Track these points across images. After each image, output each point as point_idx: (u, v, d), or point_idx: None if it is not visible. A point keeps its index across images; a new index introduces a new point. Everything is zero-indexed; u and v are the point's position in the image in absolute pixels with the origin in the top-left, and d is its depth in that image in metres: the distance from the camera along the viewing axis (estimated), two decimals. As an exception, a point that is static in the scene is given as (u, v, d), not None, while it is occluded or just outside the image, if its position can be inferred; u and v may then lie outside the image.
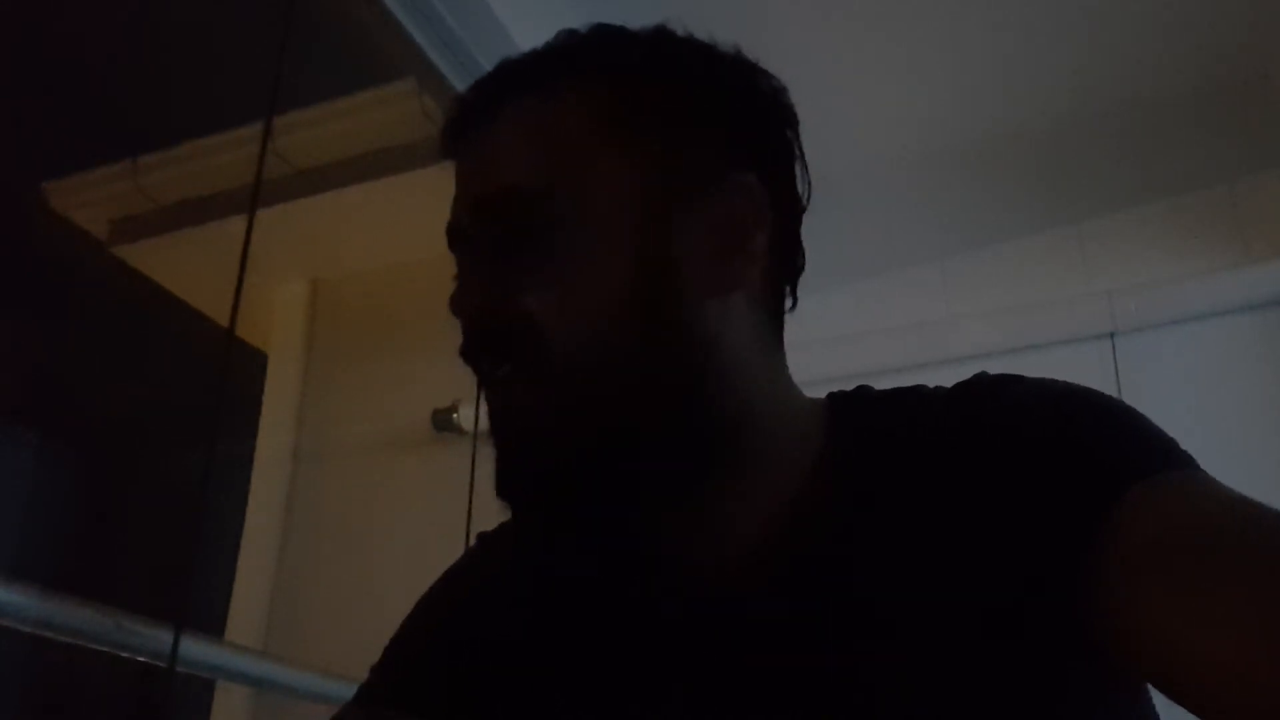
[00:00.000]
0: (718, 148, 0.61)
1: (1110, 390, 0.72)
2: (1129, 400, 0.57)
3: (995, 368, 0.63)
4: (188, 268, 2.71)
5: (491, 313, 0.58)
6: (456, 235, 0.62)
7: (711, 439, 0.58)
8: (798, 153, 0.64)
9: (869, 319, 2.52)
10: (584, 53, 0.61)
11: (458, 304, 0.59)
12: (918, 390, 0.63)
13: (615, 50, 0.61)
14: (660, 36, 0.62)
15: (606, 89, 0.60)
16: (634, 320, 0.56)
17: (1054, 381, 0.59)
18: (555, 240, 0.57)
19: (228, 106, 2.29)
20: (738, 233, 0.60)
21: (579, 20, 0.61)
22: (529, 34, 0.61)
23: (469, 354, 0.60)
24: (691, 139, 0.60)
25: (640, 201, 0.58)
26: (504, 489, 0.58)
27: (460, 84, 1.83)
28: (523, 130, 0.59)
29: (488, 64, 0.62)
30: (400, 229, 2.59)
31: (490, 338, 0.58)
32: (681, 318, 0.58)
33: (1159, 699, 0.50)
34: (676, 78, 0.61)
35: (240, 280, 1.62)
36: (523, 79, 0.60)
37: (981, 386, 0.60)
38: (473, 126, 0.61)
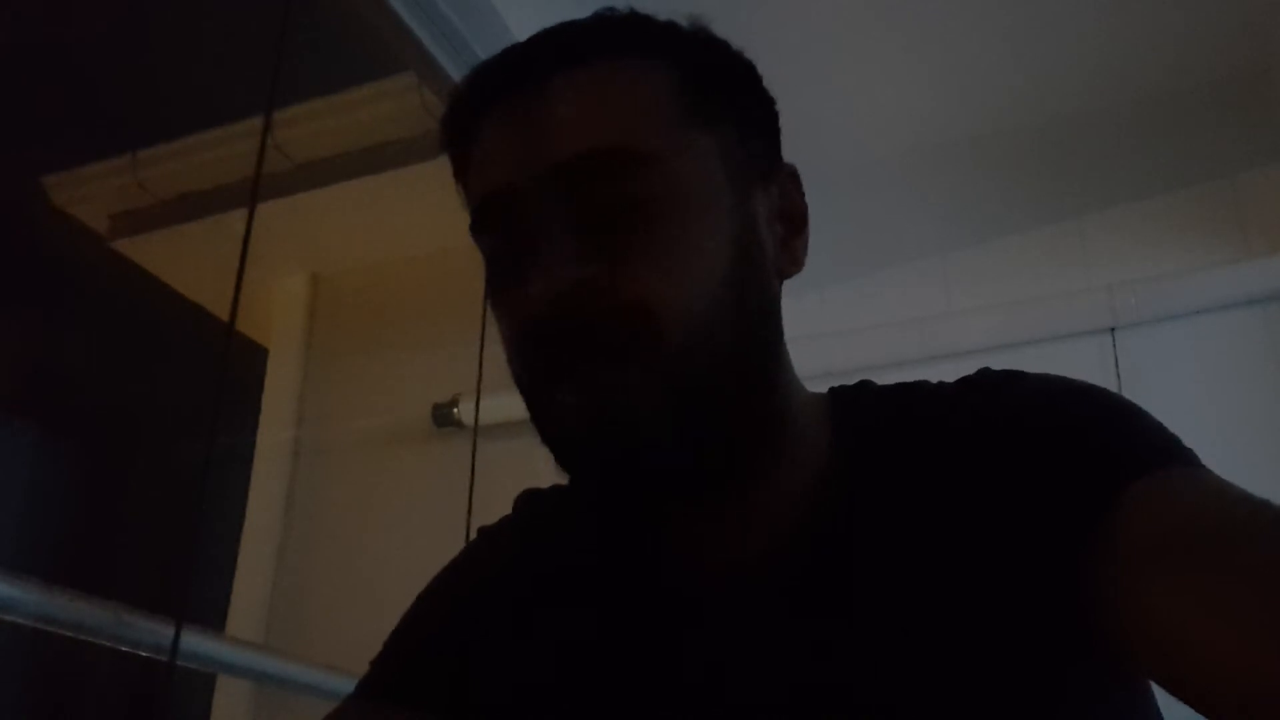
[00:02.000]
0: (770, 135, 0.62)
1: (1110, 385, 0.72)
2: (1129, 395, 0.57)
3: (996, 362, 0.62)
4: (188, 262, 2.71)
5: (600, 293, 0.52)
6: (514, 204, 0.55)
7: (768, 429, 0.58)
8: None
9: (870, 313, 2.52)
10: (647, 28, 0.59)
11: (551, 281, 0.52)
12: (920, 386, 0.63)
13: (676, 31, 0.59)
14: (711, 31, 0.62)
15: (681, 65, 0.57)
16: (731, 304, 0.54)
17: (1057, 377, 0.59)
18: (663, 213, 0.53)
19: (227, 101, 2.29)
20: (797, 220, 0.61)
21: (578, 14, 0.60)
22: (528, 28, 0.59)
23: (550, 335, 0.52)
24: (752, 124, 0.60)
25: (729, 178, 0.57)
26: (595, 477, 0.56)
27: (460, 78, 1.83)
28: (614, 92, 0.55)
29: (487, 57, 0.60)
30: (400, 223, 2.59)
31: (594, 319, 0.52)
32: (765, 303, 0.58)
33: (1161, 695, 0.50)
34: (733, 65, 0.61)
35: (240, 274, 1.62)
36: (589, 45, 0.56)
37: (984, 383, 0.60)
38: (533, 90, 0.55)
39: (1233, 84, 2.27)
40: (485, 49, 1.80)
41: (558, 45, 0.56)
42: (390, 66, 2.20)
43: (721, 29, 0.63)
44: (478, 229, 0.57)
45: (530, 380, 0.56)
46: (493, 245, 0.57)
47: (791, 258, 0.60)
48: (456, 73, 1.85)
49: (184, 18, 2.17)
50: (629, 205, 0.53)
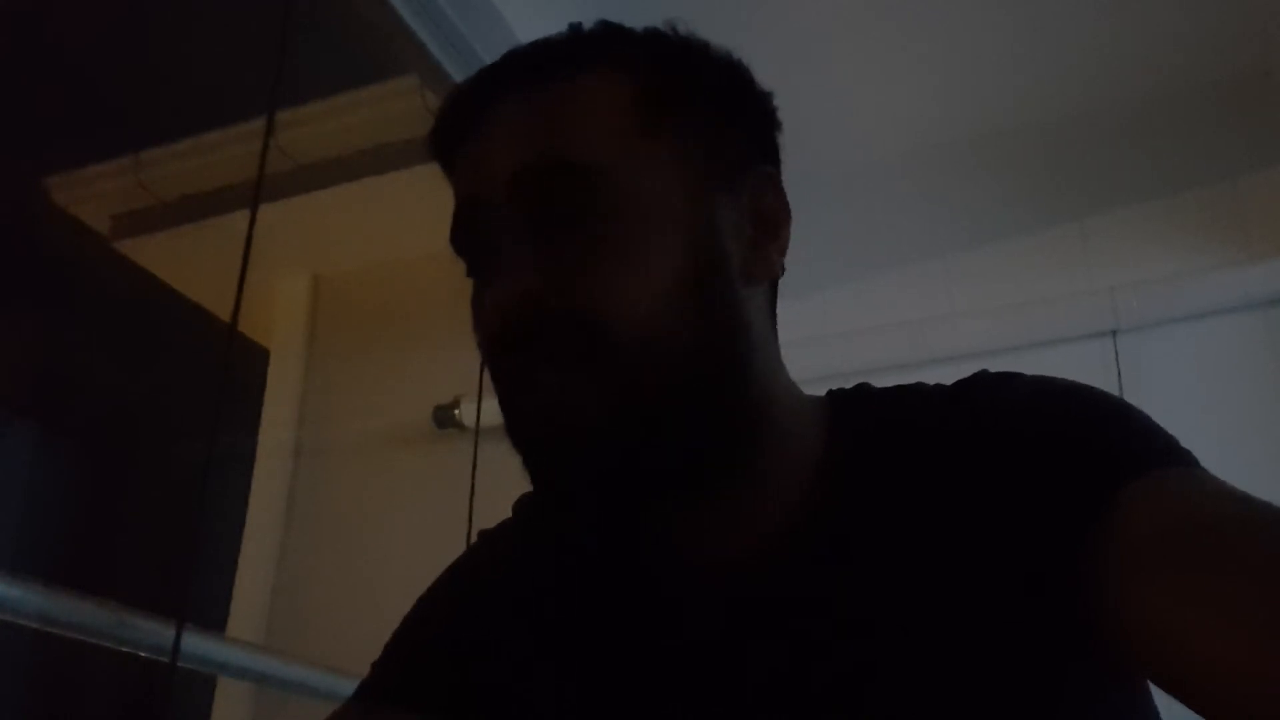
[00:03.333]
0: (743, 140, 0.62)
1: (1112, 387, 0.72)
2: (1130, 398, 0.57)
3: (997, 365, 0.62)
4: (190, 263, 2.72)
5: (543, 302, 0.54)
6: (478, 216, 0.58)
7: (741, 430, 0.58)
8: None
9: (871, 315, 2.52)
10: (611, 42, 0.60)
11: (501, 292, 0.54)
12: (918, 388, 0.63)
13: (643, 41, 0.61)
14: (676, 33, 0.62)
15: (642, 76, 0.59)
16: (685, 308, 0.55)
17: (1054, 379, 0.59)
18: (608, 222, 0.55)
19: (230, 102, 2.29)
20: (770, 223, 0.61)
21: (582, 17, 0.61)
22: (532, 30, 0.60)
23: (507, 344, 0.55)
24: (720, 130, 0.61)
25: (685, 187, 0.58)
26: (552, 482, 0.57)
27: (463, 79, 1.83)
28: (566, 106, 0.57)
29: (490, 59, 0.61)
30: (402, 224, 2.60)
31: (541, 328, 0.54)
32: (727, 306, 0.58)
33: (1161, 695, 0.50)
34: (701, 71, 0.61)
35: (242, 275, 1.62)
36: (551, 60, 0.58)
37: (982, 384, 0.60)
38: (497, 104, 0.58)
39: (1235, 86, 2.27)
40: (488, 51, 1.80)
41: (524, 64, 0.59)
42: (393, 68, 2.20)
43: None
44: (454, 242, 0.60)
45: (498, 388, 0.58)
46: (465, 256, 0.60)
47: (763, 261, 0.60)
48: (459, 74, 1.85)
49: (186, 18, 2.18)
50: (575, 216, 0.55)
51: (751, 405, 0.58)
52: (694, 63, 0.61)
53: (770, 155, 0.64)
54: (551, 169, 0.55)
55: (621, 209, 0.55)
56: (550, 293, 0.54)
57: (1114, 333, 2.31)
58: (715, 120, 0.61)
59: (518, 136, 0.57)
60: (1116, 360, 2.28)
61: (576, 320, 0.53)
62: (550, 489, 0.58)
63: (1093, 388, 0.58)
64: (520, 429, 0.56)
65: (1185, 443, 0.54)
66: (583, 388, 0.54)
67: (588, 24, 0.61)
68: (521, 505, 0.72)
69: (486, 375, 0.59)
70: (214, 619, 2.46)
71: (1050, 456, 0.53)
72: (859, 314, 2.49)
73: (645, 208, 0.56)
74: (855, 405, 0.62)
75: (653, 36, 0.61)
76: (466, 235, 0.59)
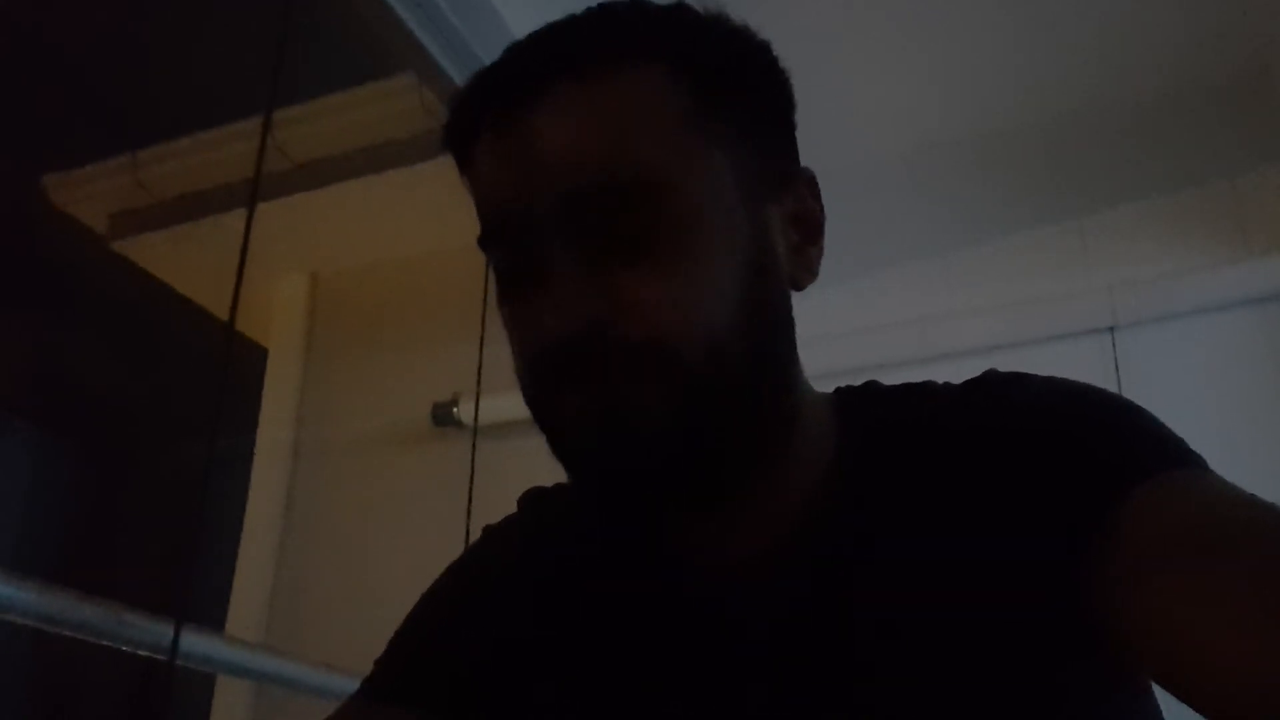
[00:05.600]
0: (785, 139, 0.60)
1: (1110, 384, 0.72)
2: (1129, 395, 0.57)
3: (996, 362, 0.62)
4: (188, 262, 2.71)
5: (611, 330, 0.51)
6: (525, 229, 0.53)
7: (781, 431, 0.58)
8: None
9: (870, 313, 2.52)
10: (655, 27, 0.56)
11: (562, 318, 0.51)
12: (927, 387, 0.62)
13: (688, 27, 0.57)
14: (716, 14, 0.59)
15: (696, 71, 0.55)
16: (746, 323, 0.54)
17: (1062, 380, 0.59)
18: (674, 242, 0.52)
19: (227, 101, 2.29)
20: (813, 227, 0.60)
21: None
22: (528, 28, 0.58)
23: (571, 372, 0.52)
24: (770, 130, 0.59)
25: (743, 197, 0.55)
26: (612, 497, 0.56)
27: (461, 79, 1.83)
28: (620, 110, 0.53)
29: (488, 58, 0.58)
30: (400, 223, 2.60)
31: (610, 356, 0.51)
32: (779, 316, 0.57)
33: (1164, 697, 0.50)
34: (752, 62, 0.59)
35: (240, 275, 1.62)
36: (593, 50, 0.54)
37: (991, 384, 0.60)
38: (536, 101, 0.53)
39: (1234, 84, 2.27)
40: (485, 49, 1.80)
41: (560, 50, 0.54)
42: (390, 67, 2.20)
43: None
44: (487, 244, 0.57)
45: (535, 391, 0.56)
46: (502, 261, 0.56)
47: (806, 266, 0.59)
48: (456, 73, 1.85)
49: (184, 18, 2.17)
50: (639, 235, 0.52)
51: (790, 410, 0.58)
52: (739, 52, 0.58)
53: (796, 145, 0.62)
54: (618, 187, 0.52)
55: (687, 227, 0.53)
56: (618, 321, 0.51)
57: (1112, 330, 2.31)
58: (766, 118, 0.59)
59: (570, 146, 0.52)
60: (1115, 357, 2.28)
61: (647, 348, 0.51)
62: (598, 495, 0.57)
63: (1102, 389, 0.58)
64: (569, 432, 0.54)
65: (1185, 440, 0.54)
66: (647, 398, 0.52)
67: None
68: (527, 500, 0.72)
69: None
70: (213, 618, 2.46)
71: (1059, 457, 0.53)
72: (858, 312, 2.49)
73: (710, 225, 0.53)
74: (865, 404, 0.62)
75: (691, 19, 0.57)
76: (509, 247, 0.55)
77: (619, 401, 0.52)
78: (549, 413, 0.55)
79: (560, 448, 0.56)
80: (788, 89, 0.60)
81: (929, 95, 2.32)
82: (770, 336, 0.56)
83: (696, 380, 0.52)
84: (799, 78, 0.60)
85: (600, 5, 0.57)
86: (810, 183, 0.61)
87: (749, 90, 0.58)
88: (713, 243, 0.53)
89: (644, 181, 0.52)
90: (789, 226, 0.59)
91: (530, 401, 0.56)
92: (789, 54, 0.59)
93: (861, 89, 2.29)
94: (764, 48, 0.59)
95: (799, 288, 0.59)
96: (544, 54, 0.55)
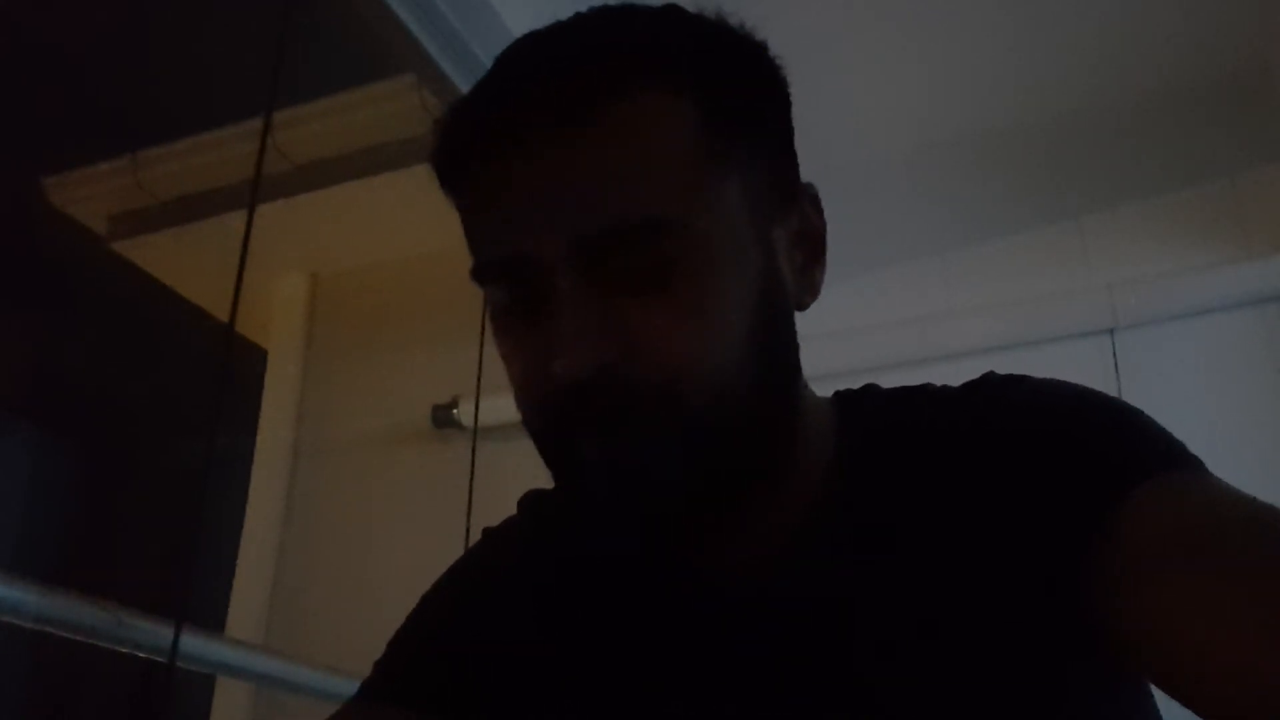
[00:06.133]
0: (789, 152, 0.59)
1: (1109, 385, 0.72)
2: (1128, 395, 0.57)
3: (995, 363, 0.62)
4: (187, 263, 2.72)
5: (621, 373, 0.50)
6: (530, 273, 0.51)
7: (786, 447, 0.58)
8: None
9: (869, 313, 2.52)
10: (657, 44, 0.54)
11: (572, 363, 0.50)
12: (926, 390, 0.62)
13: (692, 43, 0.55)
14: (721, 23, 0.56)
15: (704, 96, 0.53)
16: (754, 357, 0.53)
17: (1062, 382, 0.59)
18: (685, 283, 0.51)
19: (227, 102, 2.29)
20: (817, 244, 0.60)
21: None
22: (528, 30, 0.56)
23: (581, 416, 0.51)
24: (781, 150, 0.58)
25: (753, 225, 0.54)
26: (619, 530, 0.56)
27: (460, 80, 1.83)
28: (626, 145, 0.51)
29: (487, 59, 0.57)
30: (400, 224, 2.59)
31: (620, 399, 0.51)
32: (786, 340, 0.57)
33: (1161, 698, 0.50)
34: (755, 71, 0.57)
35: (240, 275, 1.62)
36: (591, 74, 0.51)
37: (990, 387, 0.60)
38: (534, 132, 0.51)
39: (1233, 83, 2.27)
40: (485, 50, 1.80)
41: (561, 83, 0.51)
42: (390, 68, 2.20)
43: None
44: (484, 280, 0.55)
45: (544, 433, 0.55)
46: (501, 296, 0.55)
47: (810, 286, 0.59)
48: (456, 74, 1.85)
49: (184, 19, 2.18)
50: (651, 274, 0.51)
51: (794, 425, 0.58)
52: (748, 62, 0.56)
53: (795, 153, 0.60)
54: (632, 229, 0.50)
55: (700, 264, 0.51)
56: (629, 363, 0.51)
57: (1112, 330, 2.31)
58: (773, 133, 0.58)
59: (576, 187, 0.50)
60: (1114, 358, 2.29)
61: (657, 392, 0.51)
62: (611, 535, 0.57)
63: (1100, 392, 0.58)
64: (579, 477, 0.54)
65: (1183, 440, 0.54)
66: (656, 442, 0.51)
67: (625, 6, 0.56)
68: (528, 502, 0.72)
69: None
70: (213, 619, 2.46)
71: (1058, 459, 0.53)
72: (857, 312, 2.49)
73: (722, 259, 0.52)
74: (863, 407, 0.62)
75: (692, 32, 0.55)
76: (510, 282, 0.53)
77: (632, 450, 0.51)
78: (559, 455, 0.55)
79: (570, 488, 0.56)
80: (788, 95, 0.58)
81: (928, 95, 2.31)
82: (776, 363, 0.56)
83: (704, 422, 0.52)
84: (798, 78, 0.60)
85: (597, 16, 0.55)
86: (813, 199, 0.60)
87: (757, 106, 0.56)
88: (725, 277, 0.52)
89: (656, 221, 0.50)
90: (794, 247, 0.58)
91: (538, 438, 0.56)
92: (788, 54, 0.59)
93: (861, 89, 2.29)
94: (763, 51, 0.57)
95: (803, 308, 0.59)
96: (543, 87, 0.52)
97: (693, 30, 0.55)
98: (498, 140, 0.52)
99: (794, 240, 0.58)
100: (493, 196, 0.53)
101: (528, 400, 0.55)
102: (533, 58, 0.54)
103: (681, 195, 0.51)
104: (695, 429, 0.52)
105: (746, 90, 0.55)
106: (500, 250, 0.53)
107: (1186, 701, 0.45)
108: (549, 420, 0.54)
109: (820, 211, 0.60)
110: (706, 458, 0.52)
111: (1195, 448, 0.54)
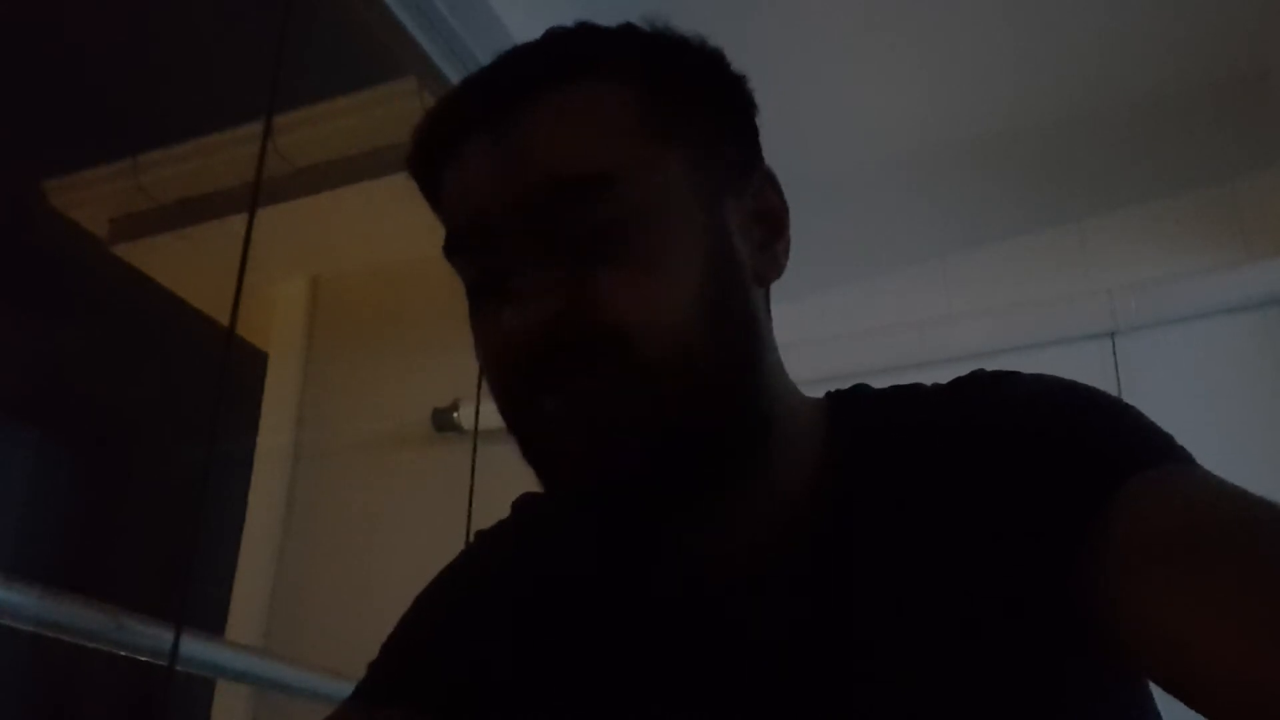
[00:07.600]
0: (742, 139, 0.62)
1: (1110, 389, 0.72)
2: (1129, 399, 0.57)
3: (996, 366, 0.63)
4: (188, 266, 2.72)
5: (571, 323, 0.52)
6: (485, 236, 0.56)
7: (756, 430, 0.58)
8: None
9: (869, 317, 2.53)
10: (600, 45, 0.58)
11: (524, 316, 0.53)
12: (915, 388, 0.63)
13: (631, 43, 0.59)
14: (659, 30, 0.61)
15: (640, 81, 0.57)
16: (708, 317, 0.54)
17: (1050, 377, 0.59)
18: (628, 235, 0.54)
19: (228, 105, 2.29)
20: (775, 222, 0.61)
21: (578, 19, 0.60)
22: (529, 33, 0.59)
23: (534, 369, 0.53)
24: (722, 131, 0.60)
25: (697, 193, 0.57)
26: (581, 494, 0.56)
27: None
28: (569, 117, 0.55)
29: (487, 62, 0.60)
30: (400, 227, 2.59)
31: (571, 349, 0.52)
32: (743, 310, 0.58)
33: (1160, 694, 0.50)
34: (696, 69, 0.60)
35: (240, 279, 1.62)
36: (541, 70, 0.56)
37: (979, 382, 0.61)
38: (490, 120, 0.56)
39: (1232, 87, 2.27)
40: (485, 53, 1.80)
41: (515, 73, 0.57)
42: (391, 71, 2.20)
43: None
44: (451, 253, 0.58)
45: (509, 399, 0.56)
46: (465, 270, 0.58)
47: (772, 261, 0.61)
48: (457, 77, 1.85)
49: (185, 22, 2.18)
50: (594, 231, 0.53)
51: (764, 405, 0.59)
52: (688, 62, 0.60)
53: (757, 145, 0.63)
54: (564, 183, 0.53)
55: (641, 220, 0.54)
56: (577, 312, 0.53)
57: (1112, 334, 2.31)
58: (716, 121, 0.60)
59: (522, 153, 0.54)
60: (1115, 361, 2.29)
61: (606, 337, 0.52)
62: (578, 501, 0.57)
63: (1090, 386, 0.58)
64: (539, 433, 0.56)
65: (1184, 443, 0.54)
66: (614, 402, 0.53)
67: (584, 24, 0.60)
68: (520, 504, 0.72)
69: (485, 379, 0.58)
70: (213, 622, 2.46)
71: (1048, 453, 0.53)
72: (857, 315, 2.50)
73: (664, 217, 0.55)
74: (853, 405, 0.62)
75: (639, 37, 0.60)
76: (470, 256, 0.57)
77: (590, 400, 0.53)
78: (523, 420, 0.56)
79: (535, 454, 0.56)
80: (742, 92, 0.62)
81: (929, 99, 2.32)
82: (737, 333, 0.57)
83: (656, 371, 0.53)
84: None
85: (550, 33, 0.59)
86: (769, 178, 0.62)
87: (699, 95, 0.59)
88: (669, 238, 0.55)
89: (596, 175, 0.54)
90: (752, 224, 0.60)
91: (504, 409, 0.57)
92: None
93: (862, 93, 2.29)
94: (714, 55, 0.61)
95: (764, 284, 0.60)
96: (501, 78, 0.57)
97: (641, 39, 0.60)
98: (457, 127, 0.57)
99: (752, 216, 0.60)
100: (453, 176, 0.58)
101: (493, 374, 0.57)
102: (494, 63, 0.59)
103: (620, 159, 0.55)
104: (651, 379, 0.53)
105: (686, 82, 0.59)
106: (458, 219, 0.57)
107: (1183, 697, 0.45)
108: (512, 389, 0.56)
109: (779, 193, 0.62)
110: (664, 408, 0.53)
111: (1196, 451, 0.54)
